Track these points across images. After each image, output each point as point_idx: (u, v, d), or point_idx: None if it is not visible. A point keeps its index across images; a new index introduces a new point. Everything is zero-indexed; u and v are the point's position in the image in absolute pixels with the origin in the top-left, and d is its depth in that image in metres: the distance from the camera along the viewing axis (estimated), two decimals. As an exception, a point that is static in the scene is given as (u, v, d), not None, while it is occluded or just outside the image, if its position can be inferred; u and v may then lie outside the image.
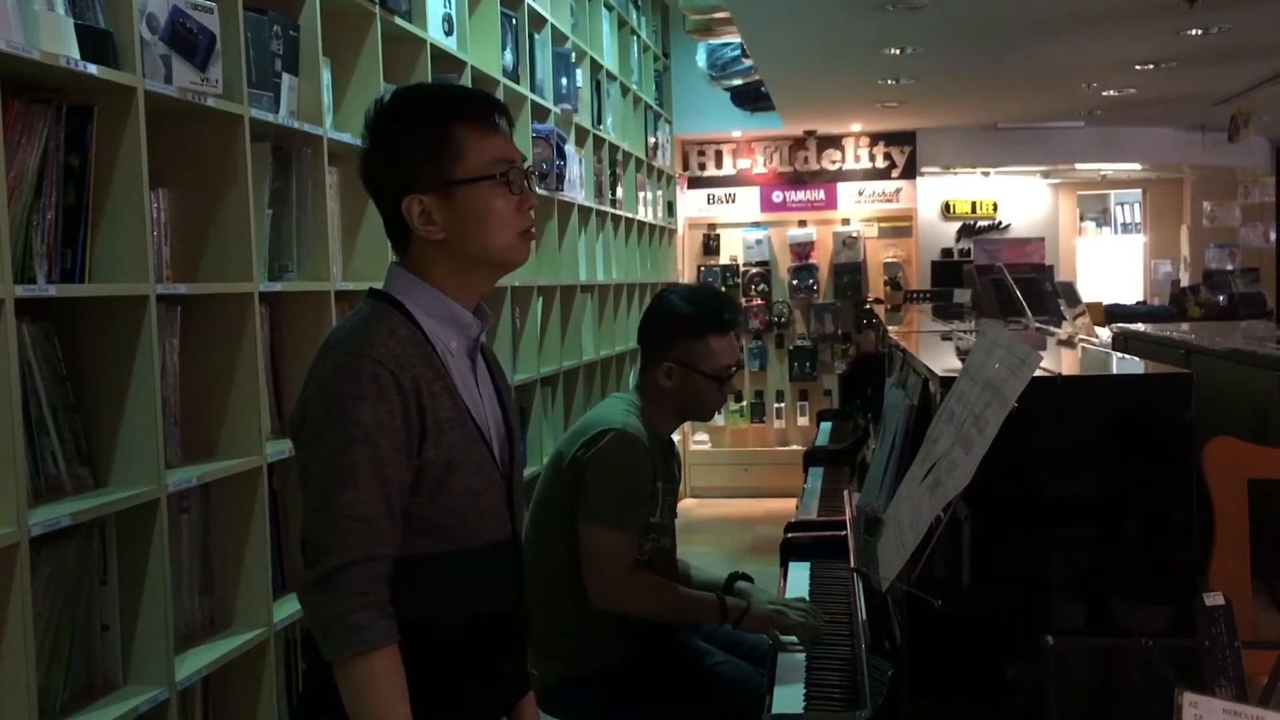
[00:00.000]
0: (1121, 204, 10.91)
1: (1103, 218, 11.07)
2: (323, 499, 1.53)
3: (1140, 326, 2.82)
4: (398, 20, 3.21)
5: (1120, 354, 2.39)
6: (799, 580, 2.90)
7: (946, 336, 3.21)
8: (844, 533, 3.00)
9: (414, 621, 1.56)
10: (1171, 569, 1.65)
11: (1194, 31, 4.84)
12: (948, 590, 1.39)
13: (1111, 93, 6.54)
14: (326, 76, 2.88)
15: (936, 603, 1.33)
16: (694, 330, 2.61)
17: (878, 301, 8.13)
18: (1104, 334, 3.45)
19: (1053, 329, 3.32)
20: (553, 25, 4.81)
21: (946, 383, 1.69)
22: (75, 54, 1.96)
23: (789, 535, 3.15)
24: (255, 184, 2.47)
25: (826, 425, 5.61)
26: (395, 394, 1.54)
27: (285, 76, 2.65)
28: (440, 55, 3.51)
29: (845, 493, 3.44)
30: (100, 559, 2.11)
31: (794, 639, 2.43)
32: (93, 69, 1.98)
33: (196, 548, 2.41)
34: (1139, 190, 10.33)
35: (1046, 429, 1.61)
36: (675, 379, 2.61)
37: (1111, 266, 10.43)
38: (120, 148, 2.10)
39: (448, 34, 3.60)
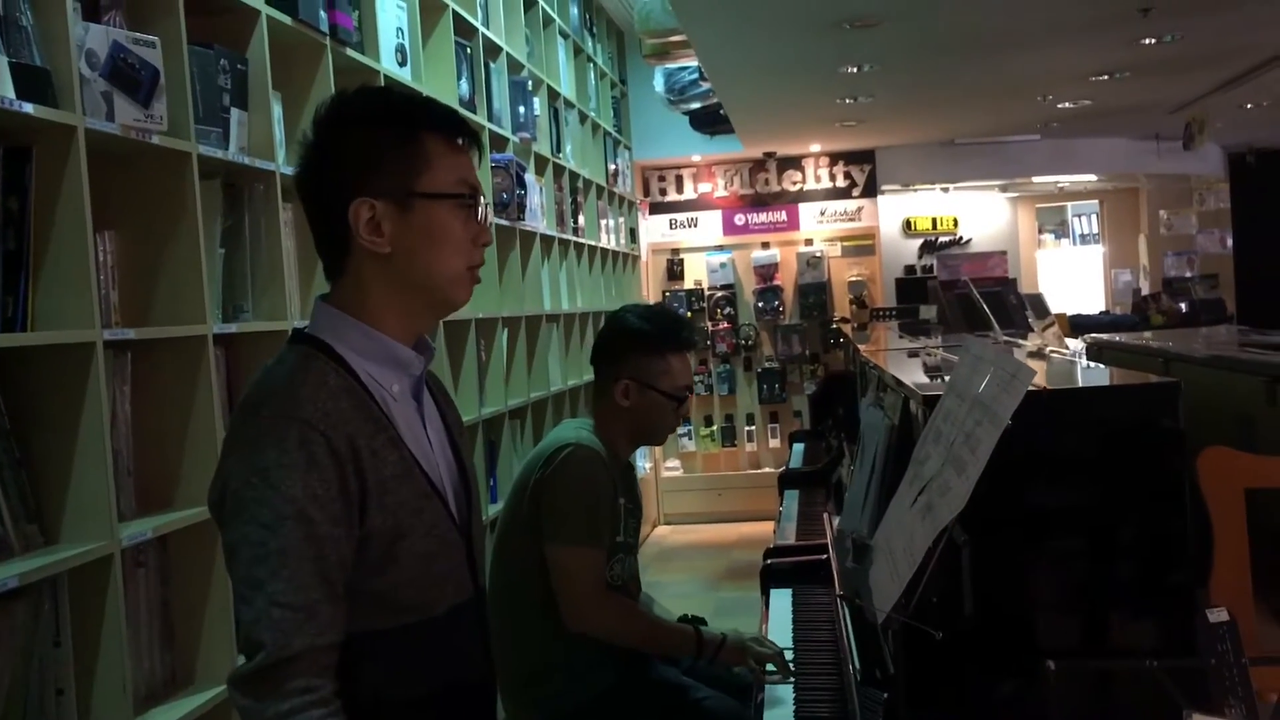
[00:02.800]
0: (1079, 215, 11.01)
1: (1061, 229, 11.17)
2: (252, 585, 1.34)
3: (1118, 337, 2.79)
4: (349, 52, 3.14)
5: (1093, 364, 2.36)
6: (781, 608, 2.83)
7: (914, 354, 3.16)
8: (824, 556, 2.93)
9: (371, 703, 1.41)
10: (1169, 585, 1.60)
11: (1148, 40, 4.87)
12: (946, 619, 1.32)
13: (1067, 105, 6.59)
14: (277, 111, 2.81)
15: (938, 635, 1.26)
16: (652, 347, 2.57)
17: (844, 321, 8.12)
18: (1075, 345, 3.43)
19: (1020, 341, 3.29)
20: (508, 54, 4.77)
21: (930, 402, 1.63)
22: (11, 93, 1.88)
23: (769, 562, 3.07)
24: (206, 223, 2.40)
25: (799, 446, 5.55)
26: (328, 459, 1.36)
27: (234, 111, 2.57)
28: (394, 86, 3.45)
29: (825, 515, 3.38)
30: (52, 620, 2.01)
31: (772, 668, 2.37)
32: (29, 108, 1.90)
33: (155, 603, 2.31)
34: (1096, 201, 10.42)
35: (1030, 445, 1.56)
36: (632, 396, 2.55)
37: (1072, 277, 10.51)
38: (61, 190, 2.01)
39: (401, 64, 3.54)
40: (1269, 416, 1.76)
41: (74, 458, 2.04)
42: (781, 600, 2.90)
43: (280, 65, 2.80)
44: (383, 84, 3.34)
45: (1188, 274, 9.84)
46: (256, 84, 2.67)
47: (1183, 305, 8.79)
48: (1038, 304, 4.77)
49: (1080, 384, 1.76)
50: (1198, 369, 2.06)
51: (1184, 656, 1.54)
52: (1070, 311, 8.19)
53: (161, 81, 2.21)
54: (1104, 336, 2.85)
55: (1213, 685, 1.38)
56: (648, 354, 2.56)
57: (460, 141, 1.52)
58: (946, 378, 2.18)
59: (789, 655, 2.39)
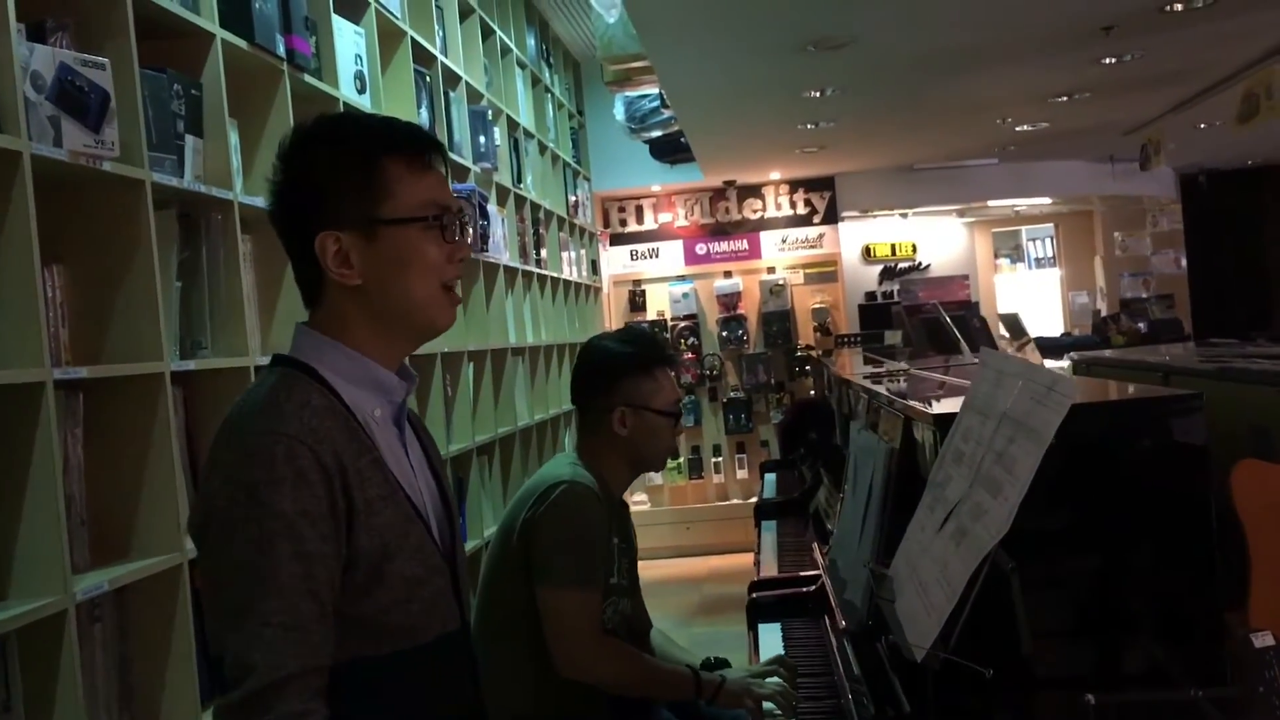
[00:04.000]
0: (1033, 239, 11.07)
1: (1016, 254, 11.22)
2: (241, 607, 1.29)
3: (1107, 353, 2.73)
4: (307, 78, 3.04)
5: (1091, 380, 2.29)
6: (771, 643, 2.72)
7: (878, 380, 3.05)
8: (812, 589, 2.84)
9: None
10: (1199, 608, 1.52)
11: (1108, 60, 4.88)
12: (994, 654, 1.22)
13: (1025, 127, 6.60)
14: (234, 138, 2.69)
15: (988, 673, 1.17)
16: (638, 367, 2.48)
17: (810, 348, 8.07)
18: (1054, 364, 3.38)
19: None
20: (467, 83, 4.68)
21: (942, 422, 1.55)
22: (-51, 117, 1.76)
23: (754, 595, 2.97)
24: (161, 254, 2.27)
25: (771, 477, 5.47)
26: (317, 474, 1.32)
27: (189, 138, 2.46)
28: (354, 114, 3.34)
29: (814, 546, 3.28)
30: (2, 682, 1.86)
31: (773, 706, 2.26)
32: (-30, 133, 1.78)
33: (113, 660, 2.16)
34: (1051, 225, 10.49)
35: (1048, 463, 1.47)
36: (630, 423, 2.45)
37: (1029, 301, 10.55)
38: (5, 220, 1.88)
39: (360, 91, 3.44)
40: (1288, 428, 1.69)
41: (23, 507, 1.90)
42: (771, 635, 2.80)
43: (236, 91, 2.69)
44: (342, 110, 3.23)
45: (1144, 294, 9.92)
46: (212, 110, 2.56)
47: (1142, 325, 8.84)
48: (1013, 324, 4.73)
49: (1102, 397, 1.68)
50: (1203, 381, 1.99)
51: (1216, 683, 1.46)
52: (1031, 335, 8.20)
53: (112, 105, 2.09)
54: (1094, 354, 2.79)
55: (1260, 714, 1.30)
56: (635, 376, 2.46)
57: (426, 159, 1.48)
58: (940, 399, 2.10)
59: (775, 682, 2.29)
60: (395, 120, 1.54)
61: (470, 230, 1.54)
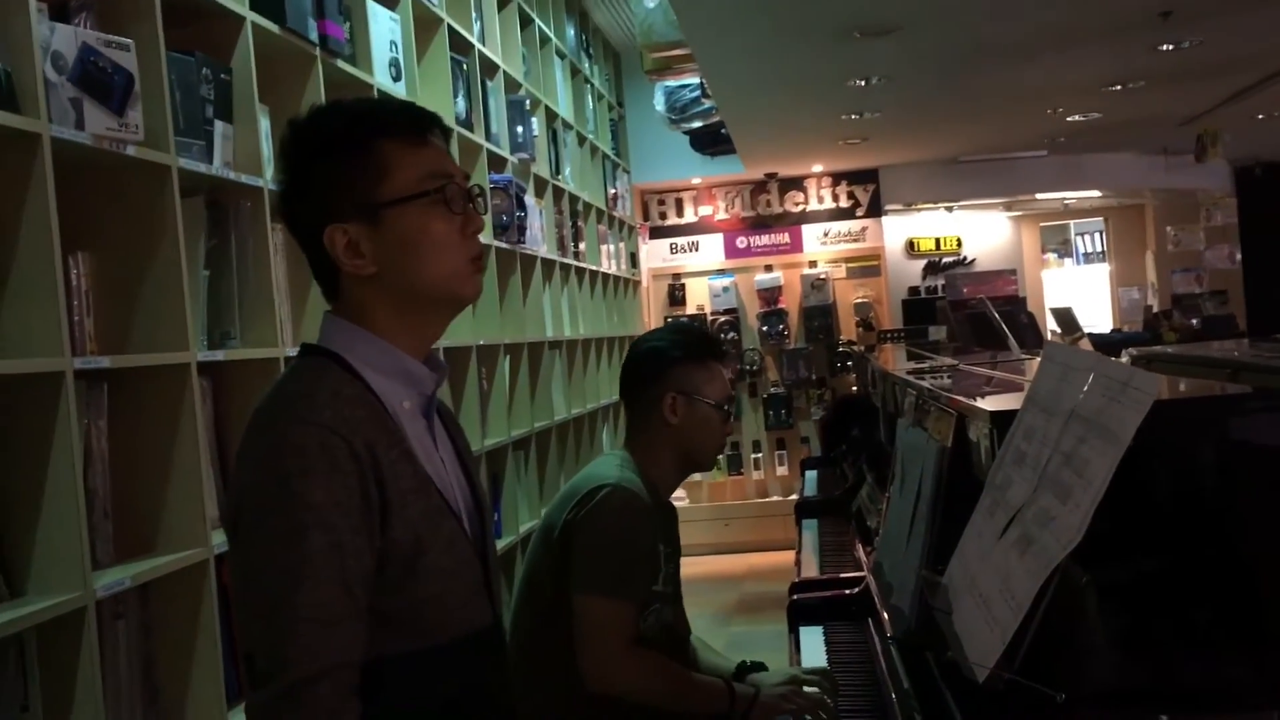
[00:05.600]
0: (1082, 234, 10.86)
1: (1064, 249, 11.02)
2: (274, 600, 1.26)
3: (1168, 349, 2.61)
4: (340, 64, 2.97)
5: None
6: (813, 647, 2.62)
7: (924, 375, 2.94)
8: (854, 591, 2.74)
9: None
10: (1275, 620, 1.41)
11: (1166, 47, 4.72)
12: (1056, 670, 1.12)
13: (1077, 118, 6.44)
14: (265, 124, 2.63)
15: (1060, 698, 1.07)
16: (691, 356, 2.39)
17: (852, 343, 7.95)
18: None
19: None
20: (505, 72, 4.61)
21: (1000, 420, 1.45)
22: (-34, 97, 1.70)
23: (795, 597, 2.87)
24: (188, 242, 2.22)
25: (812, 474, 5.36)
26: (350, 465, 1.29)
27: (218, 124, 2.40)
28: (389, 101, 3.27)
29: (857, 545, 3.18)
30: (20, 682, 1.82)
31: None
32: (-12, 114, 1.73)
33: (136, 658, 2.11)
34: (1100, 219, 10.28)
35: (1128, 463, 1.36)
36: (681, 411, 2.36)
37: (1077, 297, 10.34)
38: (25, 205, 1.83)
39: (395, 79, 3.37)
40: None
41: (42, 500, 1.85)
42: (812, 638, 2.70)
43: (267, 76, 2.63)
44: (375, 97, 3.17)
45: (1197, 290, 9.69)
46: (242, 95, 2.50)
47: (1195, 322, 8.63)
48: (1066, 318, 4.60)
49: (1184, 394, 1.57)
50: (1271, 379, 1.87)
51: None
52: (1084, 329, 8.02)
53: (136, 87, 2.03)
54: (1152, 349, 2.67)
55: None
56: (687, 364, 2.38)
57: (422, 134, 1.43)
58: (993, 394, 2.00)
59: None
60: (387, 99, 1.50)
61: (483, 200, 1.46)
